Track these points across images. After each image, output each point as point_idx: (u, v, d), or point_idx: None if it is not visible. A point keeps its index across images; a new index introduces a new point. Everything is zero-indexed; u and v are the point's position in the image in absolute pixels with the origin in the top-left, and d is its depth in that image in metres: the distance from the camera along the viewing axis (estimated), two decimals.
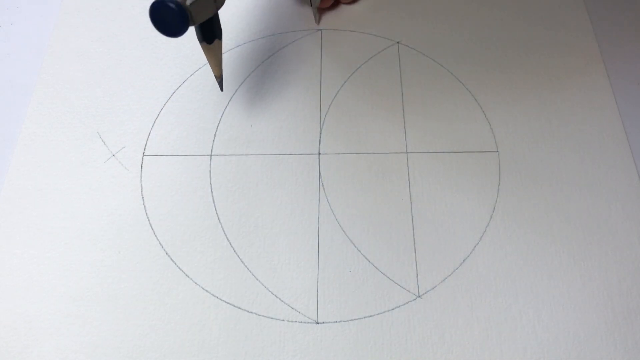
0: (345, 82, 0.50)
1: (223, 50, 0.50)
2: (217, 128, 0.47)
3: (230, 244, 0.42)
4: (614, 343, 0.39)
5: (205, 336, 0.39)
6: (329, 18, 0.53)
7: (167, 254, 0.42)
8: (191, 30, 0.38)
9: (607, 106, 0.48)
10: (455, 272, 0.41)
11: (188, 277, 0.41)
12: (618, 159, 0.45)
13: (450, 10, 0.54)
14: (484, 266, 0.41)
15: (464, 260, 0.41)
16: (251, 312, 0.40)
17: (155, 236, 0.43)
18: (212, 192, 0.44)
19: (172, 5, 0.34)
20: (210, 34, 0.41)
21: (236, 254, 0.42)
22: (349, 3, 0.54)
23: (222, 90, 0.46)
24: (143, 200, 0.44)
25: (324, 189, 0.44)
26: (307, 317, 0.40)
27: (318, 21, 0.52)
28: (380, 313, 0.40)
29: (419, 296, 0.40)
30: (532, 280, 0.41)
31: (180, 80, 0.50)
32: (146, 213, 0.44)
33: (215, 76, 0.45)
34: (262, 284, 0.41)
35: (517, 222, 0.43)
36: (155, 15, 0.35)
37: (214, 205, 0.44)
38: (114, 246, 0.42)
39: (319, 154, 0.46)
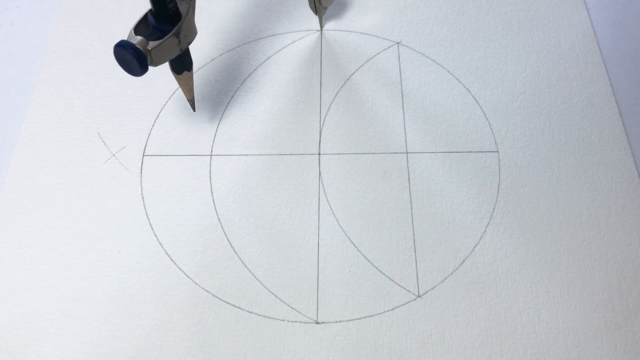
0: (345, 82, 0.50)
1: (224, 50, 0.51)
2: (217, 128, 0.47)
3: (230, 244, 0.42)
4: (614, 343, 0.39)
5: (205, 336, 0.39)
6: (330, 19, 0.53)
7: (167, 254, 0.42)
8: None
9: (607, 106, 0.48)
10: (455, 272, 0.41)
11: (188, 277, 0.41)
12: (618, 159, 0.45)
13: (450, 11, 0.54)
14: (484, 266, 0.41)
15: (464, 260, 0.41)
16: (251, 312, 0.40)
17: (155, 236, 0.43)
18: (212, 192, 0.44)
19: (130, 50, 0.35)
20: (179, 67, 0.42)
21: (236, 254, 0.42)
22: None
23: (194, 110, 0.47)
24: (143, 200, 0.44)
25: (324, 189, 0.44)
26: (307, 317, 0.40)
27: (322, 27, 0.52)
28: (380, 313, 0.40)
29: (419, 296, 0.40)
30: (532, 280, 0.41)
31: None
32: (146, 213, 0.44)
33: (187, 99, 0.46)
34: (262, 284, 0.41)
35: (517, 222, 0.43)
36: (118, 56, 0.37)
37: (214, 205, 0.44)
38: (114, 246, 0.42)
39: (319, 154, 0.46)
